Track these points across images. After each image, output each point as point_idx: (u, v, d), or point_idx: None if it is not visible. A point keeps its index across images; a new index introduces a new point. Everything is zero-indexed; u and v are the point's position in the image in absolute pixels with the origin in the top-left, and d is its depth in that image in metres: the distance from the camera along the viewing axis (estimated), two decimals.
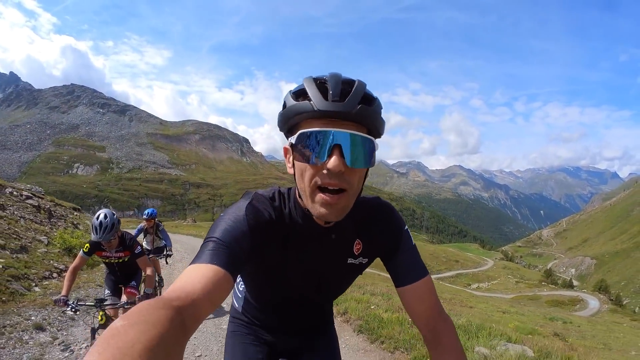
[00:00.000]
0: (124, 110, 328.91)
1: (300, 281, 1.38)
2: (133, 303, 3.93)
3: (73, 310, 3.74)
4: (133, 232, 7.08)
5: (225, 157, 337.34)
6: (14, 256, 8.78)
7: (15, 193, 14.67)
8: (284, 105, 1.10)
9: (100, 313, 3.88)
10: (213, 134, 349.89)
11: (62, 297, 3.77)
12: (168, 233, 8.01)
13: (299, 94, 1.08)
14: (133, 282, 4.88)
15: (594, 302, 71.85)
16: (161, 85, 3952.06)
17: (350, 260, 1.35)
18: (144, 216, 7.51)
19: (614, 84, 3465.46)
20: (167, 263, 7.53)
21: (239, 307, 1.72)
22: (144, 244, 7.69)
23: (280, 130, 1.15)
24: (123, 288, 4.86)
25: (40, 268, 8.73)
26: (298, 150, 1.05)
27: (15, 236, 10.03)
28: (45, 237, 11.49)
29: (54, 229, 13.16)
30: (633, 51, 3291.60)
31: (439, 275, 73.25)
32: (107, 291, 4.80)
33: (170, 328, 0.71)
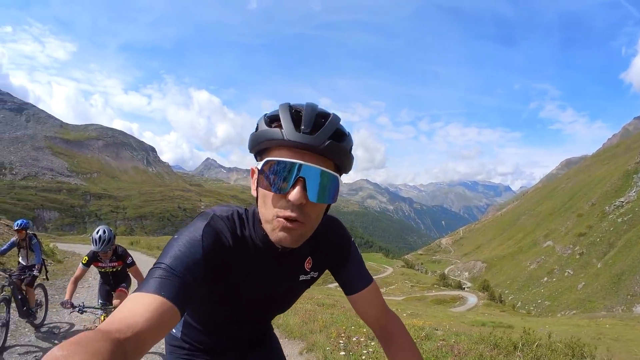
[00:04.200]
0: (21, 108, 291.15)
1: (254, 302, 1.38)
2: None
3: (80, 311, 4.26)
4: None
5: (129, 166, 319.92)
6: None
7: None
8: (257, 128, 1.10)
9: (103, 315, 4.41)
10: (117, 141, 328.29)
11: (67, 301, 4.25)
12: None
13: (273, 119, 1.08)
14: (123, 284, 5.25)
15: (472, 299, 79.72)
16: (62, 82, 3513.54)
17: (302, 277, 1.39)
18: (15, 227, 6.70)
19: (508, 108, 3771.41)
20: (47, 279, 7.38)
21: (177, 333, 1.61)
22: (20, 259, 7.03)
23: (250, 151, 1.15)
24: (114, 293, 5.18)
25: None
26: (264, 176, 1.05)
27: None
28: None
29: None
30: (524, 81, 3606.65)
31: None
32: (100, 300, 5.19)
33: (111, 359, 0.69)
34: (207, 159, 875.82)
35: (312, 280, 1.45)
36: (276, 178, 1.03)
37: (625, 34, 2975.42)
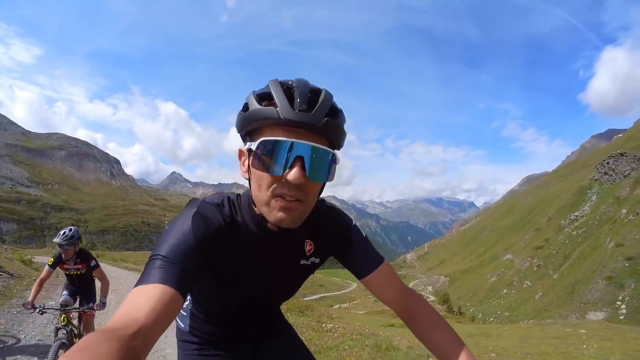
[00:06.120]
0: None
1: (255, 286, 1.35)
2: (91, 308, 4.49)
3: (40, 312, 4.32)
4: None
5: (92, 178, 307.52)
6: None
7: None
8: (246, 107, 1.07)
9: (62, 316, 4.41)
10: (81, 152, 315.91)
11: (28, 302, 4.32)
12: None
13: (264, 97, 1.05)
14: (91, 304, 5.02)
15: None
16: (25, 87, 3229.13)
17: (302, 262, 1.36)
18: None
19: (473, 127, 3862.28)
20: None
21: (185, 327, 1.59)
22: None
23: (238, 132, 1.12)
24: (79, 298, 5.14)
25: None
26: (257, 158, 1.02)
27: None
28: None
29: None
30: (489, 101, 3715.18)
31: (304, 299, 78.75)
32: (62, 298, 5.06)
33: (120, 359, 0.69)
34: (173, 172, 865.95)
35: (314, 266, 1.42)
36: (273, 159, 1.00)
37: (583, 57, 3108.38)
